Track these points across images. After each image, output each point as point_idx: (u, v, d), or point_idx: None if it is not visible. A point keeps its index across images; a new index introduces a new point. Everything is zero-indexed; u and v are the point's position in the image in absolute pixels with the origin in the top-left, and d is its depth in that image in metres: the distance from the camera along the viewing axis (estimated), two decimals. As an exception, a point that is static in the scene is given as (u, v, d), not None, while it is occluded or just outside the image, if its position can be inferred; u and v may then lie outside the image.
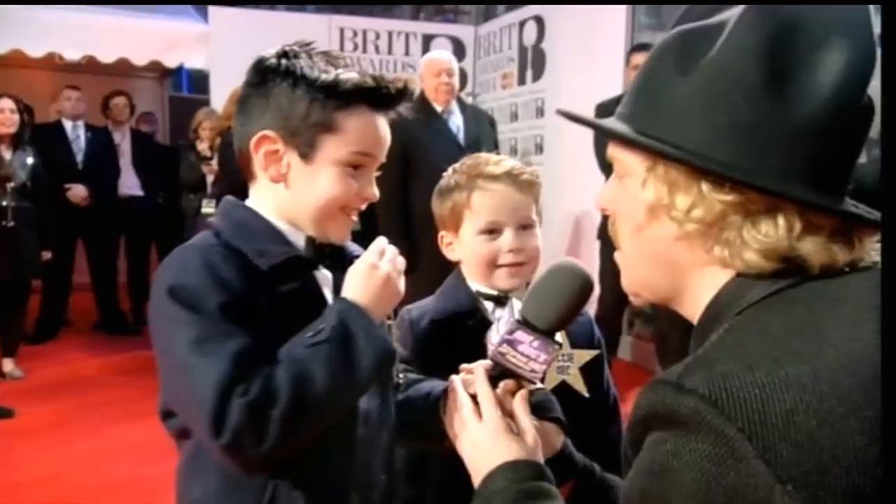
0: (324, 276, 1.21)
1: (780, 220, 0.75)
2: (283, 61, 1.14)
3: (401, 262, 1.18)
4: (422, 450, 1.41)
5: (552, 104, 5.63)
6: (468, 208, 1.47)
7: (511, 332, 1.12)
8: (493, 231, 1.46)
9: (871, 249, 0.78)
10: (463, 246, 1.50)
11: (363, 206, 1.22)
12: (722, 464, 0.64)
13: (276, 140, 1.14)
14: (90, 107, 6.16)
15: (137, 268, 6.36)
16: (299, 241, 1.19)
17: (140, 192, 6.31)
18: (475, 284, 1.50)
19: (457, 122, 4.34)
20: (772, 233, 0.75)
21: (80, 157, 5.88)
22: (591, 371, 1.46)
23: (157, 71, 7.67)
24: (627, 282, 0.91)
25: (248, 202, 1.22)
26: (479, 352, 1.39)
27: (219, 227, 1.18)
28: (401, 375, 1.30)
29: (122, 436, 3.82)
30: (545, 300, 1.13)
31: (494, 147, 4.53)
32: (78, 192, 5.71)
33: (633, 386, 3.45)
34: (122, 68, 6.55)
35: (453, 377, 1.17)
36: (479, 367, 1.14)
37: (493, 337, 1.12)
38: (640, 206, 0.82)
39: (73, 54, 6.03)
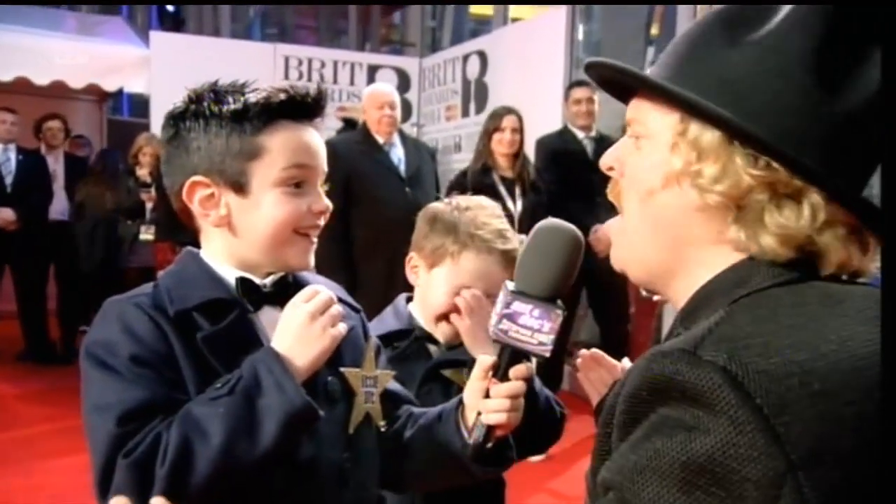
0: (271, 318, 1.12)
1: (805, 208, 0.73)
2: (192, 106, 1.12)
3: (335, 308, 1.10)
4: (441, 489, 1.34)
5: (495, 137, 5.72)
6: (454, 261, 1.47)
7: (508, 305, 1.03)
8: (462, 288, 1.47)
9: (874, 264, 0.78)
10: (429, 285, 1.50)
11: (320, 222, 1.15)
12: (735, 441, 0.62)
13: (207, 183, 1.10)
14: (22, 129, 5.95)
15: (68, 295, 6.14)
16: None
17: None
18: (421, 319, 1.52)
19: (398, 153, 4.36)
20: (794, 219, 0.73)
21: (9, 181, 5.67)
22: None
23: (96, 94, 7.50)
24: (619, 252, 0.87)
25: (201, 252, 1.17)
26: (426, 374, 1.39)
27: (160, 276, 1.15)
28: (382, 423, 1.20)
29: (48, 473, 3.66)
30: (535, 265, 1.06)
31: (434, 179, 4.58)
32: (4, 215, 5.51)
33: (573, 415, 3.45)
34: (58, 90, 6.38)
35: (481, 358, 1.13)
36: (479, 365, 1.11)
37: (492, 318, 1.06)
38: (659, 171, 0.79)
39: (4, 75, 5.86)
